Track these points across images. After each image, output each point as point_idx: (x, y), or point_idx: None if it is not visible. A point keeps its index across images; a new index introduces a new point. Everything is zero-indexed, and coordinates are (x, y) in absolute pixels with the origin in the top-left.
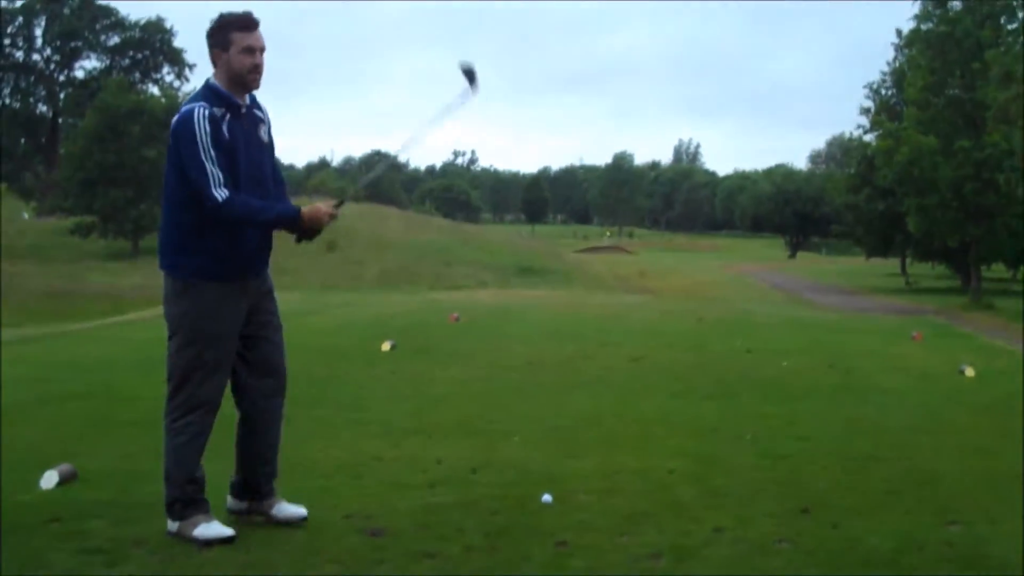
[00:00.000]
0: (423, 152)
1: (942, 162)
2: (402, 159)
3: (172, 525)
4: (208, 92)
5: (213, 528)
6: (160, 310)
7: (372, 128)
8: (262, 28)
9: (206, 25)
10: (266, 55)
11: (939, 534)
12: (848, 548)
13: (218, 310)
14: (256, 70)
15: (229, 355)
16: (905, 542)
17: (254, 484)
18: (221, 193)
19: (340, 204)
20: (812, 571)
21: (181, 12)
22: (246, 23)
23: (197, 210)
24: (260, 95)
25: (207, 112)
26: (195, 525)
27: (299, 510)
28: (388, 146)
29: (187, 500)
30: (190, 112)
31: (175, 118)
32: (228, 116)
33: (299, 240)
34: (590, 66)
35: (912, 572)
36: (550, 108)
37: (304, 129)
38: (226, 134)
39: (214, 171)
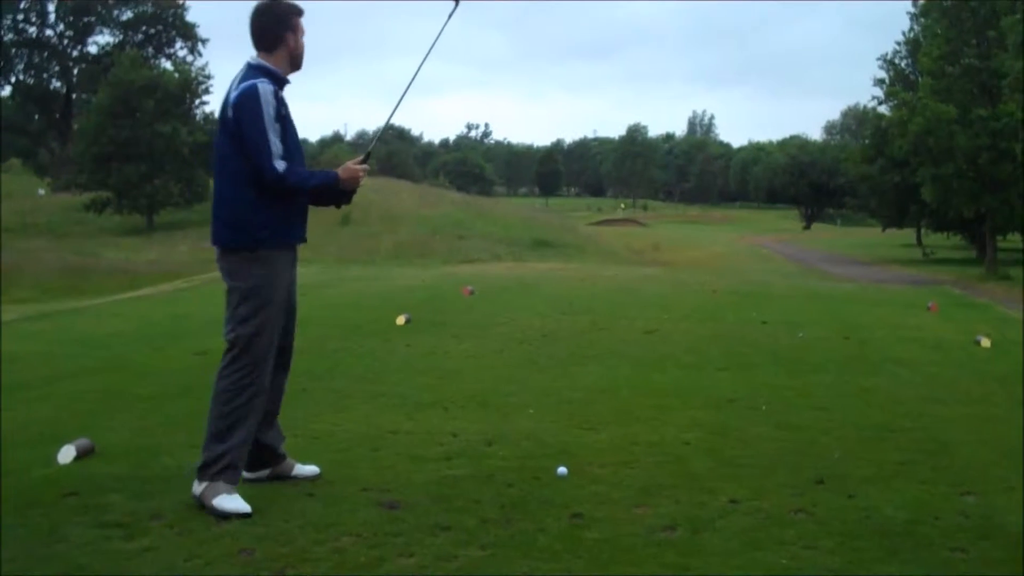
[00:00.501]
0: (437, 126)
1: (958, 131)
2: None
3: (198, 487)
4: (262, 71)
5: (234, 501)
6: (176, 285)
7: (386, 101)
8: None
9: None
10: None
11: (954, 504)
12: (863, 518)
13: (283, 277)
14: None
15: (281, 318)
16: (920, 512)
17: (272, 450)
18: (280, 164)
19: (367, 159)
20: (827, 541)
21: None
22: (301, 10)
23: (259, 182)
24: None
25: (272, 88)
26: (217, 493)
27: (313, 468)
28: (402, 120)
29: (231, 463)
30: (254, 88)
31: (234, 94)
32: (280, 94)
33: (339, 205)
34: (604, 37)
35: (927, 542)
36: (564, 80)
37: (317, 102)
38: (282, 111)
39: (276, 143)
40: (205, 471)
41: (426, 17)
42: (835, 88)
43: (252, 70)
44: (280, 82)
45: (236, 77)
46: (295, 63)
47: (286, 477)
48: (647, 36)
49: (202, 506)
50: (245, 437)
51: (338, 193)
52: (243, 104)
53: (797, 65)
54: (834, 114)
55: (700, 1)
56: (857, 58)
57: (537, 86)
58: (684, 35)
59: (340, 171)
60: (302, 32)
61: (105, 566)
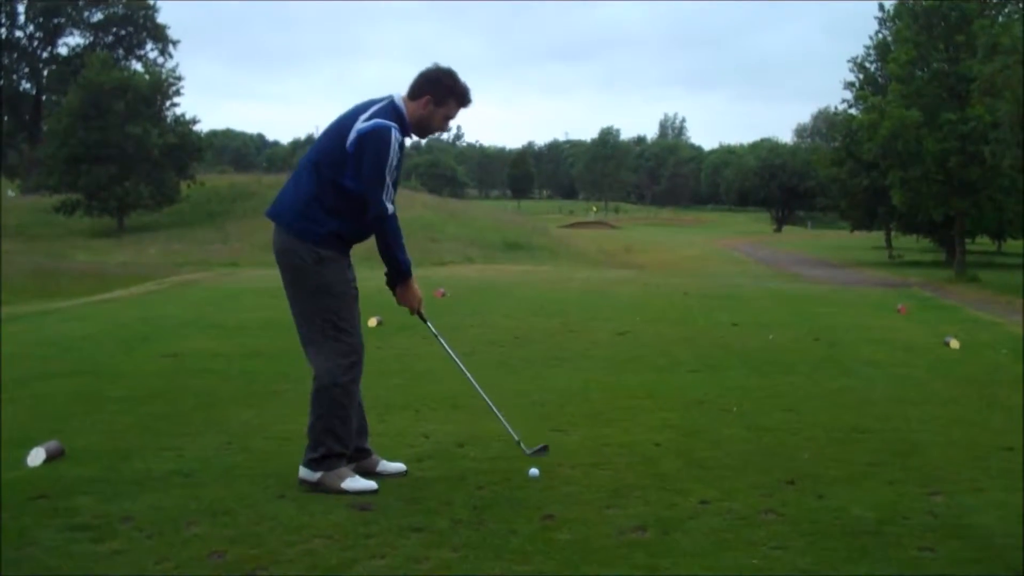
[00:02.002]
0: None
1: (926, 135)
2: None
3: (312, 475)
4: (399, 118)
5: (362, 481)
6: (146, 287)
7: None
8: None
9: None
10: (253, 27)
11: (923, 504)
12: (833, 518)
13: (342, 274)
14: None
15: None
16: (889, 512)
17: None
18: (391, 206)
19: (424, 320)
20: (797, 542)
21: None
22: (466, 100)
23: (343, 197)
24: (251, 72)
25: (401, 140)
26: (343, 477)
27: (399, 466)
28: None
29: (342, 452)
30: (388, 131)
31: (369, 124)
32: (403, 145)
33: (389, 281)
34: (578, 40)
35: (896, 542)
36: (537, 83)
37: (291, 104)
38: (399, 161)
39: (390, 186)
40: (322, 462)
41: (399, 20)
42: (805, 91)
43: (392, 111)
44: (405, 135)
45: (377, 104)
46: (419, 130)
47: (372, 472)
48: (621, 40)
49: (314, 487)
50: (348, 423)
51: (396, 277)
52: (372, 140)
53: (768, 69)
54: (804, 117)
55: (674, 3)
56: (828, 62)
57: (510, 89)
58: (657, 39)
59: (415, 282)
60: (450, 116)
61: (74, 569)
